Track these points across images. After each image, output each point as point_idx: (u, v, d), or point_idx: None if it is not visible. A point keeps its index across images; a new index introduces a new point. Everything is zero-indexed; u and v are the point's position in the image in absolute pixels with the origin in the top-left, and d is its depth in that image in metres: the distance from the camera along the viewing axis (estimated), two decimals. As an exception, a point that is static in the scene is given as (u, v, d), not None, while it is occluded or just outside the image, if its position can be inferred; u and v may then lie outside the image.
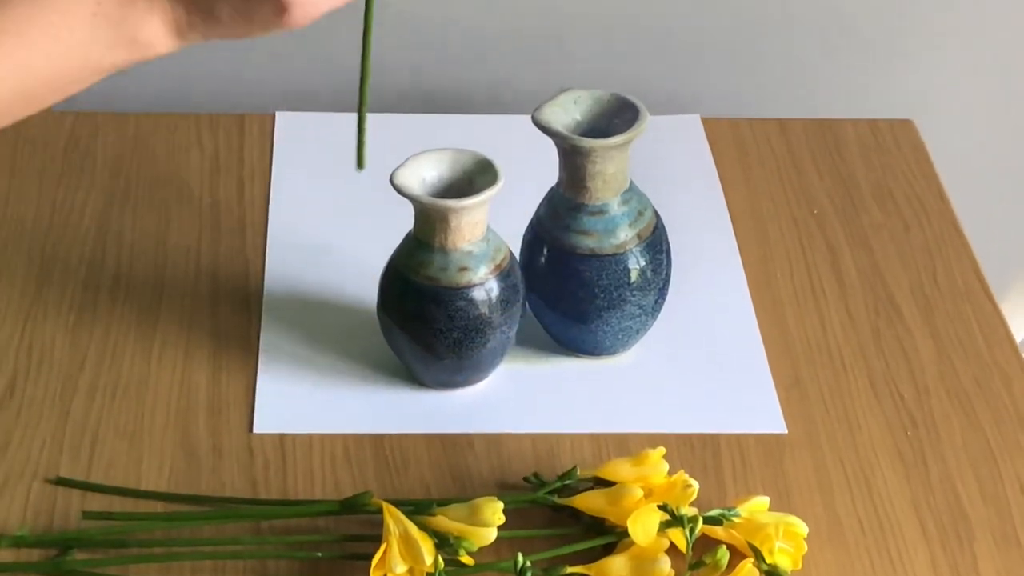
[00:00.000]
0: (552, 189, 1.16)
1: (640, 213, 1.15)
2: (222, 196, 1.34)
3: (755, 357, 1.20)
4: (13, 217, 1.31)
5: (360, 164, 1.02)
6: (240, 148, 1.40)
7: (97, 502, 1.07)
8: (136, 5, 0.88)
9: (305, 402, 1.14)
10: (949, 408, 1.16)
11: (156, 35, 0.89)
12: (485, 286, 1.10)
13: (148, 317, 1.21)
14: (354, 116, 1.43)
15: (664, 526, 1.01)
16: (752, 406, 1.16)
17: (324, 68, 1.53)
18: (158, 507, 1.07)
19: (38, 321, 1.20)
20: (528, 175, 1.18)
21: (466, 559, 1.00)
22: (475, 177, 1.10)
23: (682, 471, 1.04)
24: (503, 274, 1.11)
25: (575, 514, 1.05)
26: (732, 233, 1.32)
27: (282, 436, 1.12)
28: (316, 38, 1.50)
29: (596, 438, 1.13)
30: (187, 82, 1.54)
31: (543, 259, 1.15)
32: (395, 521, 0.99)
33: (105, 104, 1.52)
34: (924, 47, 1.57)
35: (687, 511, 1.01)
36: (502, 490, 1.08)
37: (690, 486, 1.03)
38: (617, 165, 1.12)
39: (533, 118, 1.12)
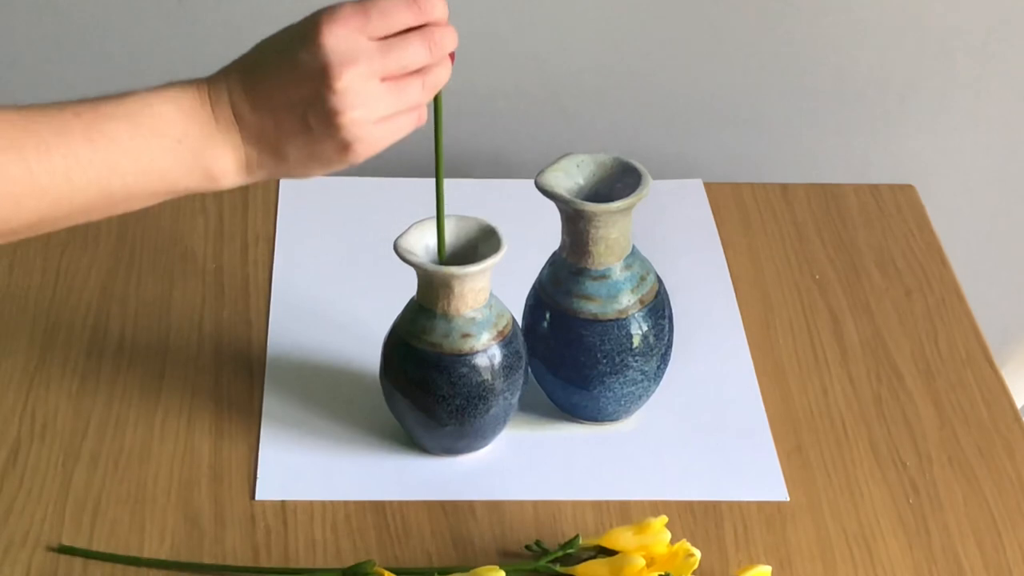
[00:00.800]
0: (555, 253, 1.16)
1: (643, 278, 1.15)
2: (226, 261, 1.34)
3: (757, 423, 1.20)
4: (18, 284, 1.31)
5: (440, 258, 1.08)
6: (244, 213, 1.40)
7: (99, 570, 1.06)
8: (215, 140, 0.94)
9: (307, 469, 1.14)
10: (951, 475, 1.16)
11: (227, 170, 0.95)
12: (488, 353, 1.10)
13: (151, 384, 1.21)
14: (357, 180, 1.45)
15: (666, 595, 1.01)
16: (754, 473, 1.16)
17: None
18: (160, 575, 1.06)
19: (41, 388, 1.20)
20: (530, 239, 1.18)
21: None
22: (479, 244, 1.11)
23: (684, 540, 1.04)
24: (506, 341, 1.11)
25: (577, 583, 1.05)
26: (734, 298, 1.33)
27: (284, 503, 1.12)
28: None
29: (598, 505, 1.13)
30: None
31: (545, 324, 1.16)
32: None
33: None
34: (925, 113, 1.57)
35: (689, 580, 1.01)
36: (504, 558, 1.08)
37: (692, 555, 1.03)
38: (620, 230, 1.13)
39: (536, 182, 1.12)
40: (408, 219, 1.11)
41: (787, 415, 1.21)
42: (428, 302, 1.10)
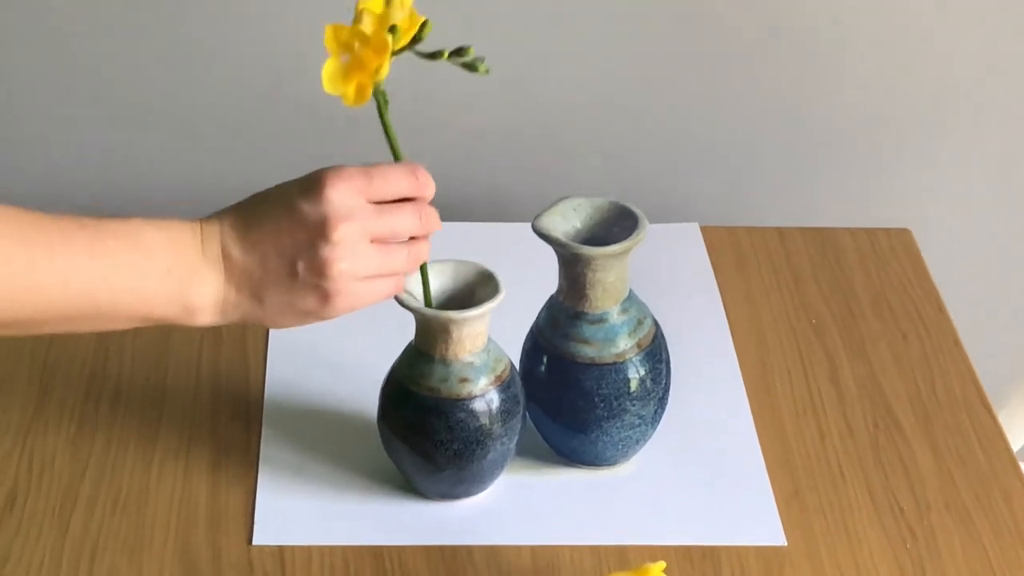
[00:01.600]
0: (552, 297, 1.16)
1: (640, 322, 1.15)
2: (223, 305, 1.35)
3: (754, 468, 1.20)
4: (15, 327, 1.31)
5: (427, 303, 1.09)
6: (242, 256, 1.41)
7: (96, 615, 1.07)
8: (199, 275, 0.97)
9: (305, 514, 1.14)
10: (949, 521, 1.16)
11: (204, 307, 0.98)
12: (486, 397, 1.11)
13: (148, 429, 1.21)
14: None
15: (664, 641, 1.00)
16: (752, 517, 1.16)
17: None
18: (157, 620, 1.07)
19: (39, 433, 1.20)
20: (528, 283, 1.18)
21: None
22: (476, 288, 1.11)
23: (681, 584, 1.04)
24: (504, 385, 1.11)
25: (575, 628, 1.05)
26: (731, 342, 1.33)
27: (282, 548, 1.12)
28: (320, 147, 1.52)
29: (596, 550, 1.12)
30: (189, 194, 1.55)
31: (543, 368, 1.16)
32: None
33: (108, 213, 1.53)
34: (920, 158, 1.58)
35: (688, 626, 1.01)
36: (502, 603, 1.08)
37: (690, 600, 1.03)
38: (617, 273, 1.13)
39: (533, 226, 1.12)
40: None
41: (784, 459, 1.21)
42: (426, 346, 1.10)
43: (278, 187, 1.00)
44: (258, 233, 0.98)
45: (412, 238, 1.02)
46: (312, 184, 0.98)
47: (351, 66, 0.97)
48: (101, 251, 0.95)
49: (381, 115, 1.00)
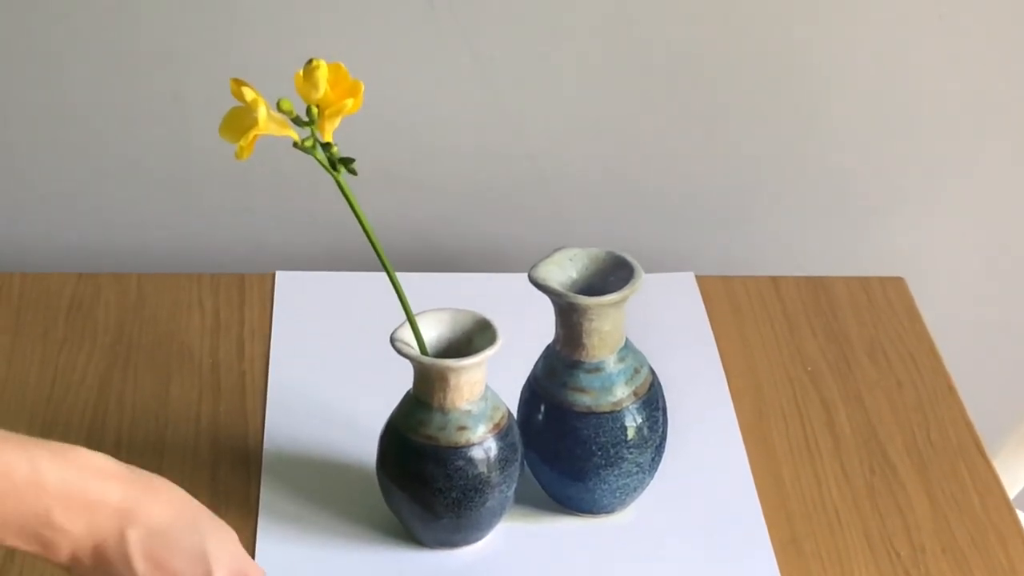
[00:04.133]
0: (549, 346, 1.17)
1: (636, 370, 1.16)
2: (222, 356, 1.35)
3: (751, 514, 1.20)
4: (16, 379, 1.32)
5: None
6: (241, 308, 1.41)
7: (96, 665, 1.06)
8: (59, 533, 0.91)
9: (304, 563, 1.14)
10: (945, 566, 1.16)
11: (70, 552, 0.91)
12: (484, 445, 1.11)
13: (149, 478, 1.21)
14: (353, 275, 1.46)
15: None
16: (749, 563, 1.16)
17: (324, 228, 1.55)
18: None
19: (39, 483, 1.20)
20: (525, 332, 1.19)
21: None
22: (474, 336, 1.11)
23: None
24: (501, 433, 1.12)
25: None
26: (727, 390, 1.33)
27: (281, 597, 1.12)
28: (315, 199, 1.53)
29: (595, 597, 1.13)
30: (188, 243, 1.56)
31: (540, 416, 1.16)
32: None
33: (106, 265, 1.54)
34: (913, 207, 1.59)
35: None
36: (501, 651, 1.08)
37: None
38: (613, 322, 1.14)
39: (529, 276, 1.13)
40: (403, 312, 1.12)
41: (781, 505, 1.21)
42: (424, 395, 1.11)
43: (192, 516, 0.96)
44: (160, 553, 0.93)
45: None
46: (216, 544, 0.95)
47: (245, 125, 0.99)
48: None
49: (340, 187, 1.01)
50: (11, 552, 1.15)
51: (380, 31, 1.48)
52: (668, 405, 1.19)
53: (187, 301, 1.42)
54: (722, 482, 1.23)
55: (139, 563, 0.92)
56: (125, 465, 0.95)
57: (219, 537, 0.95)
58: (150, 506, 0.93)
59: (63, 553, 0.92)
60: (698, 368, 1.36)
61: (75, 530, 0.91)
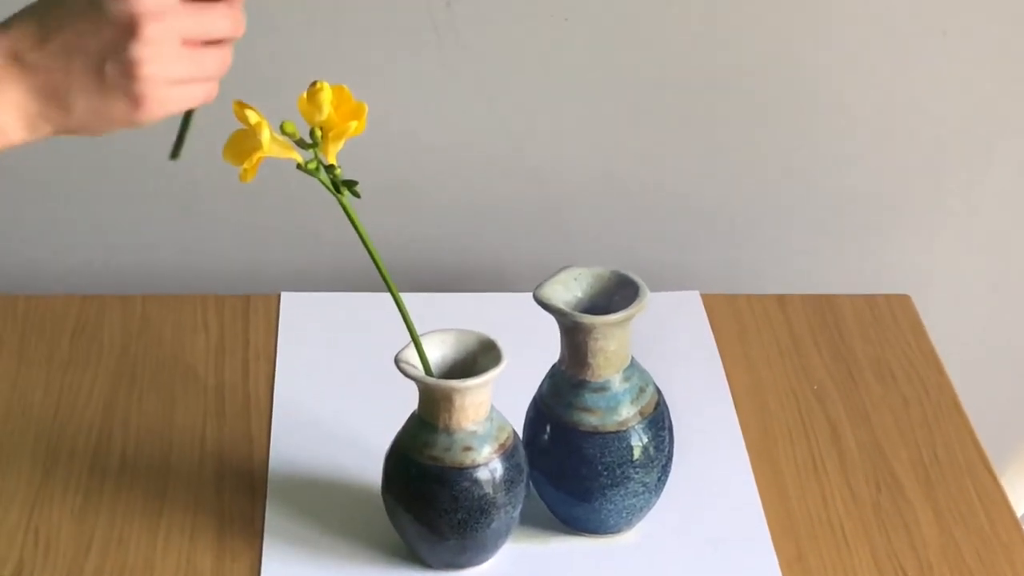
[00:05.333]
0: (554, 366, 1.17)
1: (642, 390, 1.16)
2: (227, 377, 1.35)
3: (758, 533, 1.20)
4: (20, 402, 1.32)
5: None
6: (245, 329, 1.41)
7: None
8: None
9: (310, 584, 1.14)
10: (953, 584, 1.16)
11: (9, 126, 0.91)
12: (489, 466, 1.11)
13: (153, 501, 1.21)
14: (357, 295, 1.46)
15: None
16: (757, 583, 1.16)
17: (328, 249, 1.55)
18: None
19: (44, 506, 1.20)
20: (530, 352, 1.19)
21: None
22: (479, 357, 1.11)
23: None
24: (507, 454, 1.12)
25: None
26: (733, 408, 1.33)
27: (287, 619, 1.12)
28: (319, 220, 1.53)
29: (601, 618, 1.13)
30: (192, 264, 1.56)
31: (546, 436, 1.16)
32: None
33: (111, 287, 1.54)
34: (919, 224, 1.59)
35: None
36: (508, 672, 1.08)
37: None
38: (618, 342, 1.13)
39: (534, 295, 1.13)
40: (408, 333, 1.12)
41: (788, 524, 1.21)
42: (429, 416, 1.10)
43: None
44: (59, 36, 0.91)
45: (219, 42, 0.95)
46: None
47: (249, 147, 0.99)
48: None
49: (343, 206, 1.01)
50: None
51: (384, 52, 1.48)
52: (674, 424, 1.18)
53: (192, 322, 1.42)
54: (728, 501, 1.23)
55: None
56: None
57: None
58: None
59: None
60: (704, 387, 1.36)
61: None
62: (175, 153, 0.98)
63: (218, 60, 0.94)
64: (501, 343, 1.11)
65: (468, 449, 1.10)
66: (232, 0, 0.94)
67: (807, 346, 1.42)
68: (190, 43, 0.92)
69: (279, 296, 1.45)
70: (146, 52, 0.90)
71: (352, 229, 1.04)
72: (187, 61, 0.92)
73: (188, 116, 0.97)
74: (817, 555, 1.18)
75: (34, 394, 1.33)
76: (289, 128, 1.00)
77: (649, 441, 1.15)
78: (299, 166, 1.01)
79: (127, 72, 0.90)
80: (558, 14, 1.47)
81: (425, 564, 1.15)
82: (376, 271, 1.06)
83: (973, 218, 1.59)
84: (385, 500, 1.14)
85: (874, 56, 1.51)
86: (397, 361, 1.09)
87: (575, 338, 1.13)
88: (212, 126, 1.50)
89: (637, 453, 1.14)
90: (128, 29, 0.90)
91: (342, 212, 1.03)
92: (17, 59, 0.91)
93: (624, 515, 1.17)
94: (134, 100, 0.91)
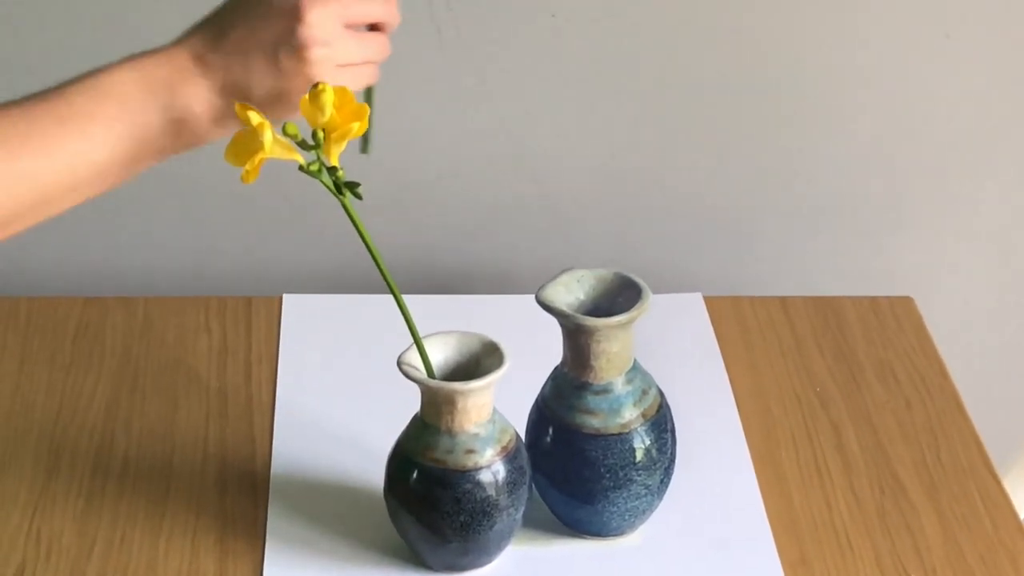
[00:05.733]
0: (556, 368, 1.17)
1: (644, 392, 1.16)
2: (229, 380, 1.35)
3: (761, 536, 1.20)
4: (23, 405, 1.32)
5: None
6: (248, 331, 1.41)
7: None
8: (179, 90, 0.99)
9: (312, 587, 1.14)
10: (956, 587, 1.16)
11: (198, 120, 1.00)
12: (492, 468, 1.11)
13: (156, 504, 1.21)
14: (360, 297, 1.46)
15: None
16: (759, 586, 1.16)
17: (330, 251, 1.55)
18: None
19: (47, 509, 1.20)
20: (532, 354, 1.19)
21: None
22: (481, 359, 1.11)
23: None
24: (509, 456, 1.12)
25: None
26: (736, 411, 1.33)
27: (289, 622, 1.12)
28: (321, 222, 1.53)
29: (604, 620, 1.12)
30: (194, 266, 1.56)
31: (548, 439, 1.16)
32: None
33: (114, 289, 1.54)
34: (921, 226, 1.59)
35: None
36: (510, 675, 1.08)
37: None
38: (621, 344, 1.13)
39: (537, 298, 1.13)
40: (410, 336, 1.12)
41: (791, 527, 1.21)
42: (432, 418, 1.10)
43: None
44: (234, 34, 0.99)
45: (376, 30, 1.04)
46: None
47: (251, 148, 0.99)
48: (70, 116, 0.96)
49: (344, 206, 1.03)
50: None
51: (386, 53, 1.48)
52: (676, 426, 1.18)
53: (194, 325, 1.42)
54: (731, 503, 1.23)
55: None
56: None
57: None
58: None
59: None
60: (706, 389, 1.36)
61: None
62: (364, 147, 1.07)
63: (378, 44, 1.03)
64: (503, 345, 1.11)
65: (470, 451, 1.10)
66: None
67: (810, 348, 1.42)
68: (351, 27, 1.01)
69: (281, 298, 1.45)
70: (313, 34, 0.98)
71: (354, 231, 1.04)
72: (351, 43, 1.01)
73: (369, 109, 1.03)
74: (820, 558, 1.18)
75: (36, 396, 1.33)
76: (291, 130, 1.00)
77: (652, 443, 1.15)
78: (301, 168, 1.01)
79: (299, 55, 0.99)
80: (559, 14, 1.47)
81: (427, 566, 1.15)
82: (378, 273, 1.06)
83: (976, 220, 1.59)
84: (387, 502, 1.14)
85: (878, 58, 1.51)
86: (399, 363, 1.09)
87: (577, 340, 1.13)
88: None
89: (640, 455, 1.14)
90: (294, 15, 0.98)
91: (344, 214, 1.03)
92: (200, 60, 0.99)
93: (627, 517, 1.17)
94: (308, 83, 0.99)
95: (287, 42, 0.99)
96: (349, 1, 1.01)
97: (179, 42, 1.01)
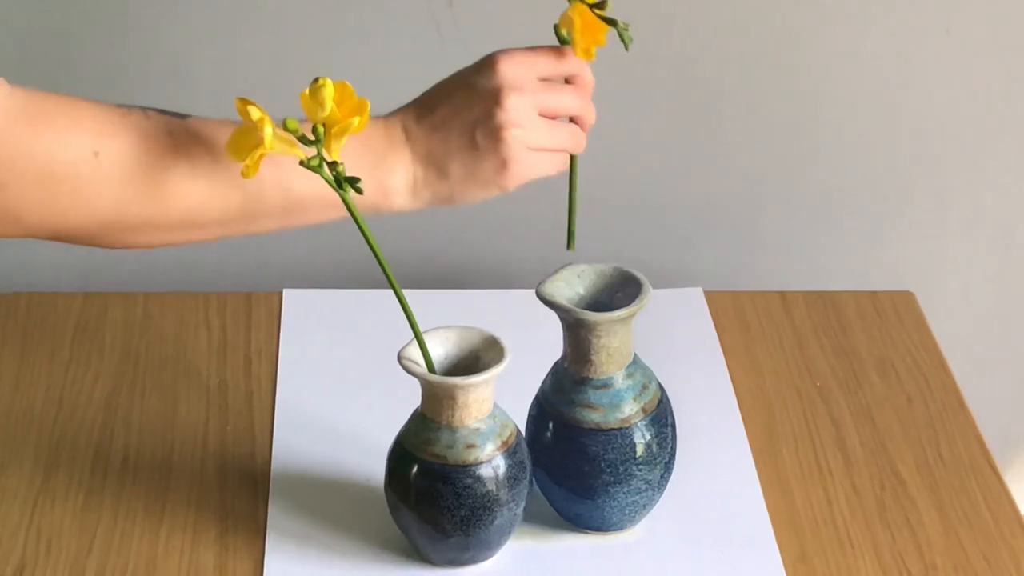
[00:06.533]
0: (557, 363, 1.17)
1: (645, 387, 1.15)
2: (229, 375, 1.35)
3: (762, 532, 1.20)
4: (23, 401, 1.32)
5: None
6: (248, 327, 1.41)
7: None
8: (387, 159, 1.07)
9: (312, 582, 1.14)
10: (957, 583, 1.16)
11: (397, 187, 1.07)
12: (492, 463, 1.11)
13: (156, 499, 1.21)
14: (360, 292, 1.46)
15: None
16: (760, 582, 1.16)
17: (330, 246, 1.55)
18: None
19: (46, 504, 1.20)
20: (533, 349, 1.19)
21: None
22: (482, 354, 1.11)
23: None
24: (510, 451, 1.12)
25: None
26: (736, 406, 1.33)
27: (290, 617, 1.12)
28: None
29: (604, 616, 1.12)
30: (194, 262, 1.56)
31: (549, 434, 1.16)
32: None
33: (113, 285, 1.54)
34: (922, 221, 1.59)
35: None
36: (511, 670, 1.08)
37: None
38: (621, 339, 1.13)
39: (537, 292, 1.13)
40: (411, 330, 1.11)
41: (791, 523, 1.21)
42: (432, 413, 1.10)
43: (453, 75, 1.10)
44: (439, 112, 1.07)
45: (572, 122, 1.10)
46: (485, 62, 1.08)
47: (252, 143, 0.99)
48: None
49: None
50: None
51: (387, 50, 1.48)
52: (677, 421, 1.18)
53: (194, 320, 1.42)
54: (732, 498, 1.23)
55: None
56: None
57: (485, 67, 1.07)
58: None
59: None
60: (707, 384, 1.35)
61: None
62: (570, 243, 1.14)
63: (570, 135, 1.10)
64: (504, 340, 1.11)
65: (471, 446, 1.10)
66: (581, 84, 1.10)
67: (810, 343, 1.42)
68: (546, 115, 1.08)
69: (281, 293, 1.45)
70: (509, 118, 1.06)
71: (355, 226, 1.04)
72: (544, 130, 1.08)
73: (573, 206, 1.13)
74: (820, 553, 1.18)
75: (36, 392, 1.32)
76: (292, 125, 1.00)
77: (652, 438, 1.15)
78: (302, 162, 1.01)
79: (494, 136, 1.06)
80: (559, 11, 1.47)
81: (428, 561, 1.15)
82: (379, 268, 1.06)
83: (976, 215, 1.59)
84: (388, 497, 1.14)
85: (877, 53, 1.51)
86: (400, 358, 1.09)
87: (578, 335, 1.13)
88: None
89: (640, 450, 1.14)
90: (494, 99, 1.06)
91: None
92: (407, 132, 1.07)
93: (627, 512, 1.17)
94: (501, 162, 1.06)
95: (485, 122, 1.06)
96: (546, 91, 1.07)
97: (395, 113, 1.09)
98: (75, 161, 0.99)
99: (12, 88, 0.98)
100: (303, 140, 1.01)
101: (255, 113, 0.99)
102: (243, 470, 1.24)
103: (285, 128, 1.00)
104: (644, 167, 1.55)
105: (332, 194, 1.03)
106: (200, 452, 1.26)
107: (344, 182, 1.01)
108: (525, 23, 1.47)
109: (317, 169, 1.01)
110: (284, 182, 1.04)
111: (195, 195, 1.02)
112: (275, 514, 1.20)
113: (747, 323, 1.44)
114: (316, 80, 1.00)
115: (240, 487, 1.23)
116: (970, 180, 1.57)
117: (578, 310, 1.12)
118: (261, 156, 0.99)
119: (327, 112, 1.00)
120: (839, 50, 1.51)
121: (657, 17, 1.48)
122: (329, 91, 1.00)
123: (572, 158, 1.12)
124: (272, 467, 1.24)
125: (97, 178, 0.99)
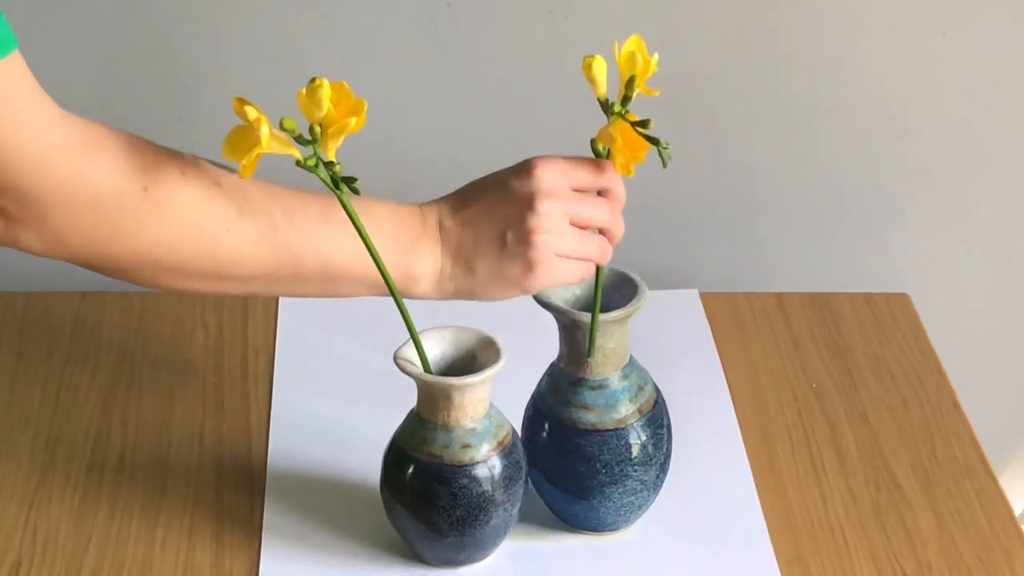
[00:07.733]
0: (553, 364, 1.17)
1: (640, 388, 1.16)
2: (226, 375, 1.35)
3: (757, 532, 1.20)
4: (20, 399, 1.32)
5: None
6: (244, 327, 1.41)
7: None
8: (418, 246, 1.08)
9: (308, 582, 1.14)
10: (951, 584, 1.16)
11: (423, 275, 1.08)
12: (488, 463, 1.11)
13: (152, 499, 1.21)
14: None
15: None
16: (755, 582, 1.16)
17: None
18: None
19: (43, 504, 1.20)
20: (529, 350, 1.19)
21: None
22: (478, 354, 1.11)
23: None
24: (506, 451, 1.12)
25: None
26: (732, 407, 1.33)
27: (285, 616, 1.12)
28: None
29: (599, 616, 1.13)
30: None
31: (544, 434, 1.16)
32: None
33: (110, 284, 1.54)
34: (918, 223, 1.59)
35: None
36: (506, 670, 1.08)
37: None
38: (617, 340, 1.14)
39: (534, 293, 1.13)
40: (407, 330, 1.12)
41: (787, 524, 1.21)
42: (428, 413, 1.10)
43: (492, 174, 1.10)
44: (472, 208, 1.08)
45: (601, 234, 1.11)
46: (523, 166, 1.08)
47: (248, 143, 1.00)
48: (333, 219, 1.04)
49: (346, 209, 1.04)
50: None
51: (384, 50, 1.48)
52: (673, 422, 1.18)
53: (191, 320, 1.42)
54: (727, 499, 1.23)
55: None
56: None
57: (523, 170, 1.08)
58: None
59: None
60: (702, 385, 1.36)
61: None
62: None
63: (598, 245, 1.10)
64: (500, 341, 1.11)
65: (467, 446, 1.10)
66: (614, 197, 1.11)
67: (806, 345, 1.42)
68: (576, 225, 1.08)
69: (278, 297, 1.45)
70: (541, 223, 1.06)
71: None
72: (573, 238, 1.08)
73: (595, 316, 1.11)
74: (816, 554, 1.18)
75: (33, 391, 1.33)
76: (288, 125, 1.00)
77: (647, 439, 1.15)
78: (298, 163, 1.01)
79: (524, 239, 1.06)
80: (557, 12, 1.47)
81: (423, 561, 1.15)
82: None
83: (972, 217, 1.59)
84: (384, 497, 1.14)
85: (874, 55, 1.51)
86: (396, 358, 1.09)
87: (574, 336, 1.13)
88: (211, 122, 1.50)
89: (635, 451, 1.14)
90: (527, 203, 1.07)
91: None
92: (441, 223, 1.09)
93: (622, 513, 1.17)
94: (527, 264, 1.07)
95: (517, 224, 1.06)
96: (579, 201, 1.08)
97: (432, 203, 1.10)
98: (123, 193, 0.99)
99: (65, 113, 0.99)
100: (299, 140, 1.01)
101: (252, 113, 0.99)
102: (240, 469, 1.24)
103: (282, 128, 1.00)
104: (640, 169, 1.55)
105: (366, 270, 1.05)
106: (197, 451, 1.26)
107: (340, 182, 1.02)
108: (523, 25, 1.48)
109: (314, 169, 1.01)
110: (324, 253, 1.05)
111: (232, 249, 1.03)
112: (271, 513, 1.20)
113: (743, 324, 1.44)
114: (313, 80, 1.00)
115: (236, 486, 1.23)
116: (966, 183, 1.58)
117: (574, 311, 1.12)
118: (258, 156, 1.00)
119: (324, 112, 1.00)
120: (835, 53, 1.51)
121: (657, 21, 1.48)
122: (326, 91, 1.00)
123: (598, 269, 1.11)
124: (268, 466, 1.24)
125: (143, 213, 1.00)
